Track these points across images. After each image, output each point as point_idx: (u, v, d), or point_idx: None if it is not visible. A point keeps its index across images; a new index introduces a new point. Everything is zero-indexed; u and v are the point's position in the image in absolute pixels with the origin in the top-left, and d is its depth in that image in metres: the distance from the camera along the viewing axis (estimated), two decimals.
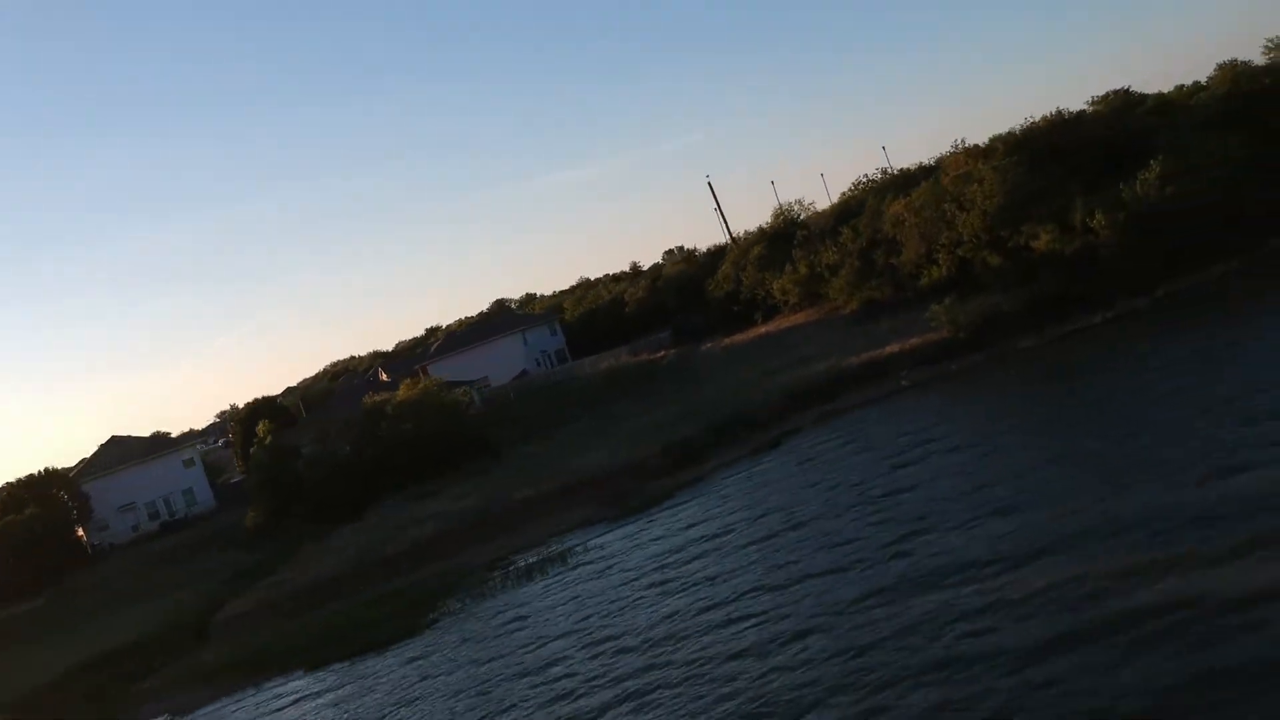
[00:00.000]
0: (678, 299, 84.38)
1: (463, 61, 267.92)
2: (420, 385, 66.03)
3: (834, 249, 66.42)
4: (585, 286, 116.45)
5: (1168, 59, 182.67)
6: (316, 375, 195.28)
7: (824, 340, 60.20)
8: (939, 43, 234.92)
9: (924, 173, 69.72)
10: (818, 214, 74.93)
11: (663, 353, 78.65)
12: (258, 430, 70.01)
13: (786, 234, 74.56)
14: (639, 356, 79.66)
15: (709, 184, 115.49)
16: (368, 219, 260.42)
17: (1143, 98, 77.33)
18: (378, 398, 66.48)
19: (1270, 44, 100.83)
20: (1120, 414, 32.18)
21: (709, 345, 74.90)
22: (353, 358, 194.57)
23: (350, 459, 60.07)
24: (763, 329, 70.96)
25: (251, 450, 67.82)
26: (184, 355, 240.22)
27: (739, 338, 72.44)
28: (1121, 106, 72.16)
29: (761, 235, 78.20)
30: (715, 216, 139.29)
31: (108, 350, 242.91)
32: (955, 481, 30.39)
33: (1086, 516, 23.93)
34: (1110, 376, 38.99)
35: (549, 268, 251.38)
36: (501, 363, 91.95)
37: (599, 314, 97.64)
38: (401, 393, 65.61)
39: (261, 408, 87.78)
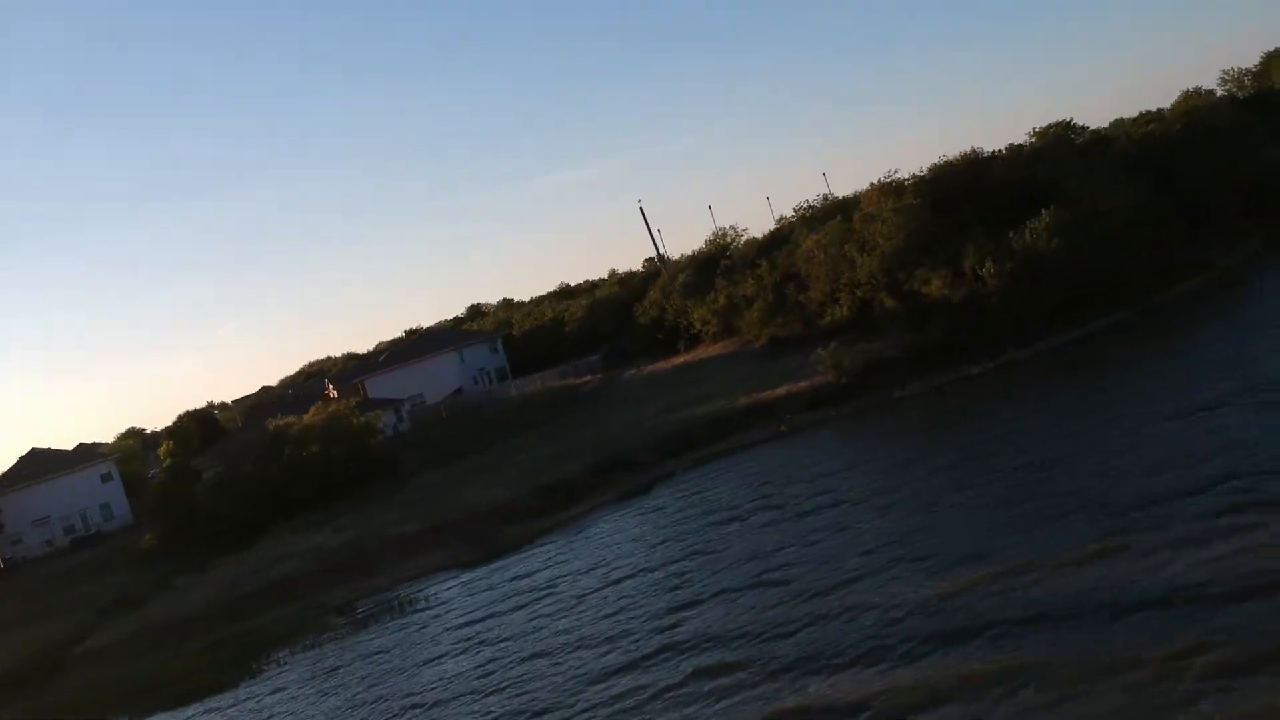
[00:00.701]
0: (612, 322, 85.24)
1: (463, 59, 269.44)
2: (330, 408, 66.91)
3: (751, 281, 67.25)
4: (535, 302, 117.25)
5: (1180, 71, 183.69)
6: (294, 375, 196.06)
7: (729, 376, 61.12)
8: (946, 50, 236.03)
9: (855, 205, 70.63)
10: (750, 241, 75.77)
11: (589, 378, 79.64)
12: (169, 447, 70.84)
13: (715, 261, 75.41)
14: (566, 381, 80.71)
15: (640, 208, 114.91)
16: (366, 215, 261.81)
17: (1083, 129, 78.39)
18: (288, 419, 67.43)
19: (1226, 75, 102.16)
20: (967, 473, 32.87)
21: (632, 372, 75.81)
22: (328, 358, 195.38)
23: (249, 483, 60.97)
24: (681, 359, 71.89)
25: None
26: (181, 347, 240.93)
27: (661, 365, 73.36)
28: (1054, 142, 73.24)
29: (691, 261, 79.12)
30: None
31: (104, 340, 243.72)
32: (761, 542, 31.39)
33: (824, 602, 24.85)
34: (970, 430, 39.81)
35: (548, 268, 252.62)
36: (437, 380, 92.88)
37: (542, 332, 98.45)
38: (311, 415, 66.61)
39: (188, 421, 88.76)
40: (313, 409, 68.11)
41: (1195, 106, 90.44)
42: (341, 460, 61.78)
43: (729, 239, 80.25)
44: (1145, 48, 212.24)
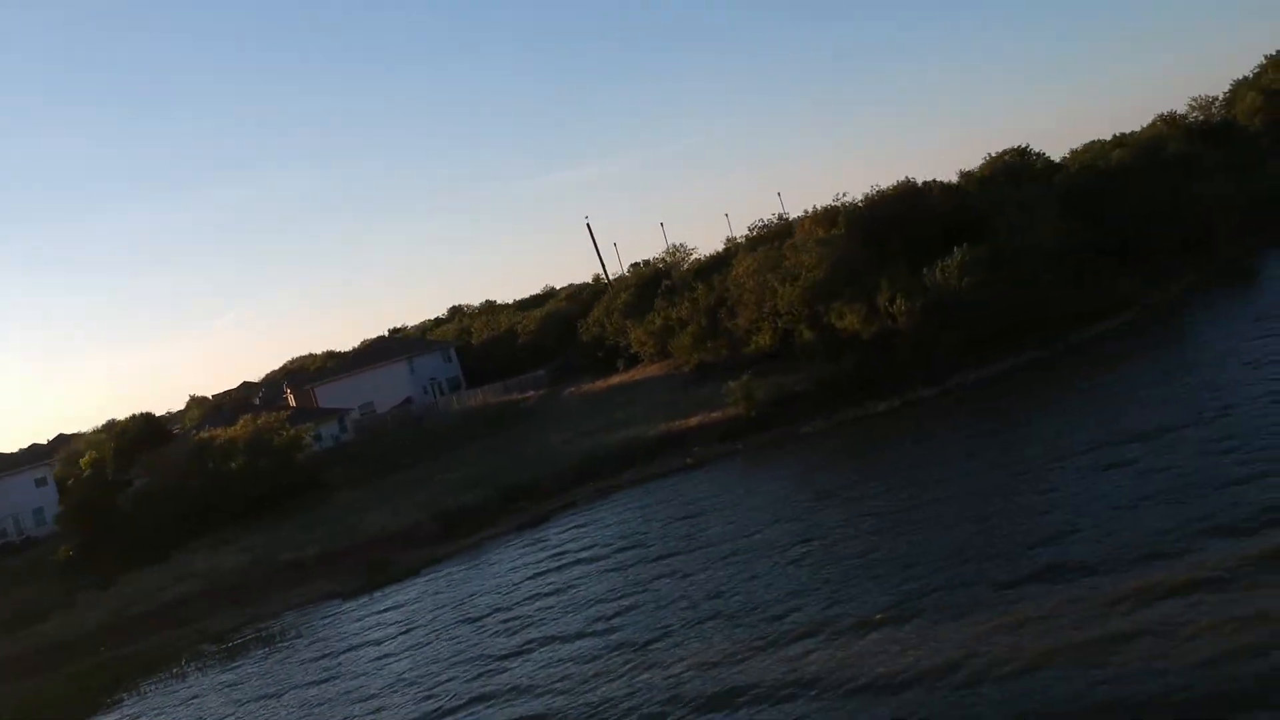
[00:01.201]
0: (560, 337, 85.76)
1: (463, 57, 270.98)
2: (258, 421, 67.43)
3: (687, 304, 67.71)
4: (492, 310, 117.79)
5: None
6: (276, 370, 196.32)
7: (655, 401, 61.63)
8: (957, 60, 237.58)
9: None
10: (691, 263, 76.27)
11: (531, 394, 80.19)
12: (88, 457, 71.24)
13: (657, 281, 75.91)
14: (509, 396, 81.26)
15: (587, 225, 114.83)
16: (366, 210, 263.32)
17: (1038, 156, 78.85)
18: (216, 432, 67.98)
19: (1194, 103, 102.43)
20: (825, 520, 33.38)
21: (571, 390, 76.36)
22: (309, 355, 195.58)
23: (171, 496, 61.52)
24: (618, 379, 72.43)
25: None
26: (179, 336, 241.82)
27: (599, 385, 73.89)
28: (1003, 170, 73.74)
29: (636, 279, 79.64)
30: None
31: (102, 328, 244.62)
32: (610, 586, 31.99)
33: (632, 657, 25.41)
34: (851, 472, 40.29)
35: (548, 267, 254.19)
36: (387, 389, 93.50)
37: (499, 343, 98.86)
38: (239, 428, 67.13)
39: (135, 427, 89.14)
40: (241, 421, 68.59)
41: (1140, 139, 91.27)
42: (266, 475, 62.30)
43: (677, 258, 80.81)
44: (1142, 67, 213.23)
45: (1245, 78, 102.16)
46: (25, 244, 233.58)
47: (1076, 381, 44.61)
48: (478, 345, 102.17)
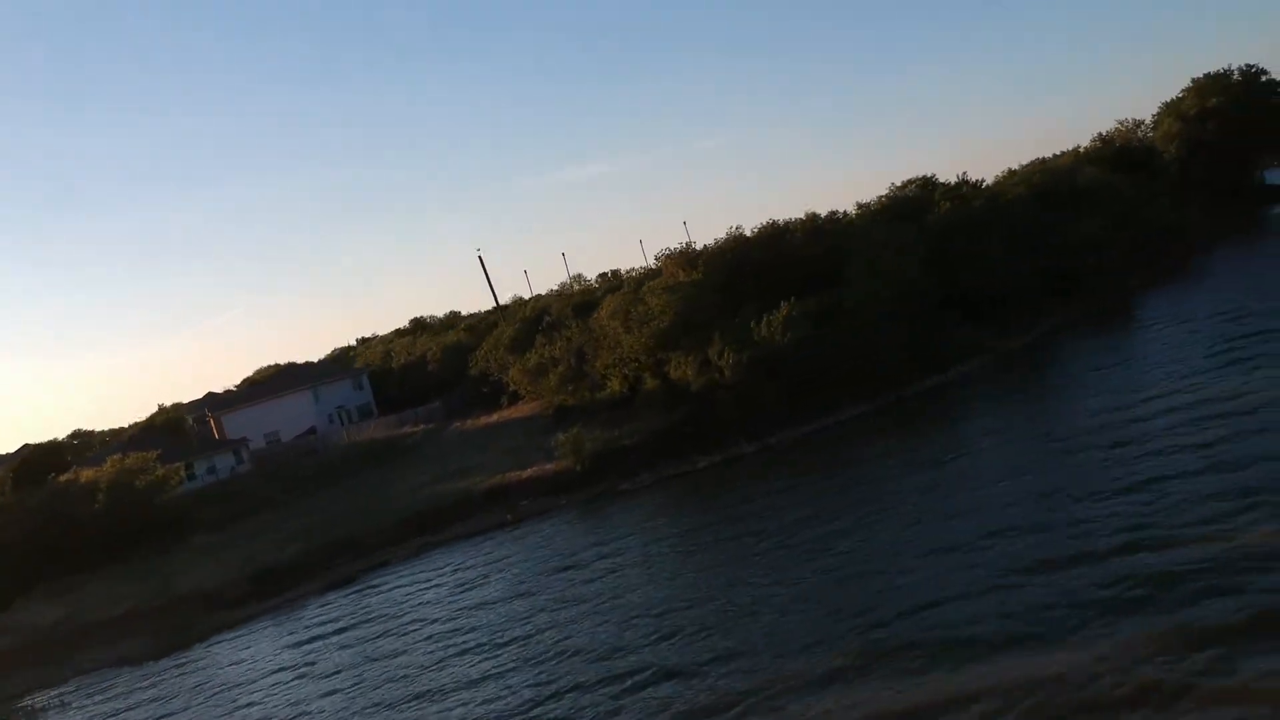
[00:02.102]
0: (457, 369, 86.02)
1: (464, 55, 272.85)
2: (125, 461, 67.72)
3: (560, 342, 67.87)
4: (421, 328, 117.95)
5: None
6: (244, 380, 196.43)
7: (509, 446, 61.89)
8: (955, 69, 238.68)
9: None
10: (566, 298, 76.44)
11: (419, 428, 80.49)
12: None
13: (541, 317, 76.14)
14: (399, 429, 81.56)
15: (479, 257, 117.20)
16: (366, 210, 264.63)
17: (938, 188, 78.86)
18: (82, 473, 68.35)
19: (1120, 127, 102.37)
20: (590, 598, 33.54)
21: (457, 425, 76.66)
22: (273, 365, 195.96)
23: (21, 538, 61.85)
24: (496, 417, 72.63)
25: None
26: (177, 334, 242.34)
27: (481, 422, 74.12)
28: (896, 205, 73.81)
29: (521, 313, 79.94)
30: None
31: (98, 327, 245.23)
32: (354, 671, 32.36)
33: None
34: (650, 536, 40.44)
35: (548, 267, 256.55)
36: (291, 419, 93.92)
37: (413, 369, 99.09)
38: (108, 468, 67.46)
39: (36, 456, 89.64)
40: (109, 460, 68.93)
41: (1056, 166, 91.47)
42: (122, 519, 62.60)
43: (566, 292, 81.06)
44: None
45: (1173, 99, 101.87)
46: (24, 242, 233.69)
47: (899, 437, 44.74)
48: (398, 370, 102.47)
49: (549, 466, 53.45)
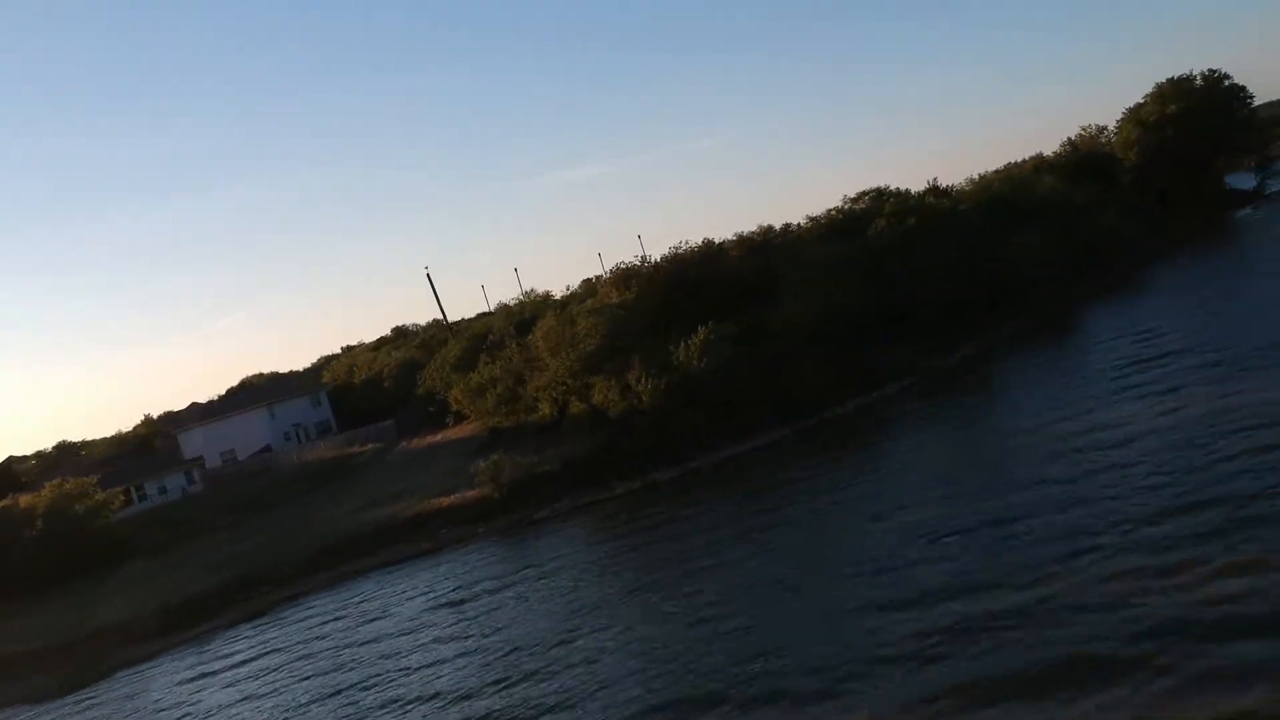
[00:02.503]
0: (409, 385, 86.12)
1: (463, 54, 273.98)
2: (64, 485, 67.90)
3: (500, 362, 67.87)
4: (398, 339, 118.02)
5: None
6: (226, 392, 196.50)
7: (441, 469, 61.95)
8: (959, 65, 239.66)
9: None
10: (509, 315, 76.50)
11: (368, 447, 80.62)
12: None
13: (487, 334, 76.16)
14: (349, 448, 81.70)
15: (427, 275, 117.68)
16: (365, 211, 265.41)
17: (892, 196, 78.63)
18: (21, 498, 68.55)
19: (1083, 133, 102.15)
20: (469, 637, 33.63)
21: (405, 444, 76.82)
22: (258, 374, 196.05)
23: None
24: (439, 437, 72.71)
25: None
26: (178, 337, 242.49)
27: (427, 440, 74.21)
28: (845, 219, 73.82)
29: (470, 330, 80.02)
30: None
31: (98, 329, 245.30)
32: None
33: None
34: (554, 568, 40.34)
35: (547, 268, 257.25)
36: (248, 437, 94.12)
37: (371, 385, 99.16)
38: (46, 493, 67.67)
39: None
40: (47, 485, 69.15)
41: (1011, 175, 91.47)
42: (56, 546, 62.74)
43: (525, 304, 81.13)
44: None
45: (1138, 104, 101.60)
46: (22, 247, 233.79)
47: (789, 471, 44.69)
48: (360, 385, 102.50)
49: (471, 493, 53.50)
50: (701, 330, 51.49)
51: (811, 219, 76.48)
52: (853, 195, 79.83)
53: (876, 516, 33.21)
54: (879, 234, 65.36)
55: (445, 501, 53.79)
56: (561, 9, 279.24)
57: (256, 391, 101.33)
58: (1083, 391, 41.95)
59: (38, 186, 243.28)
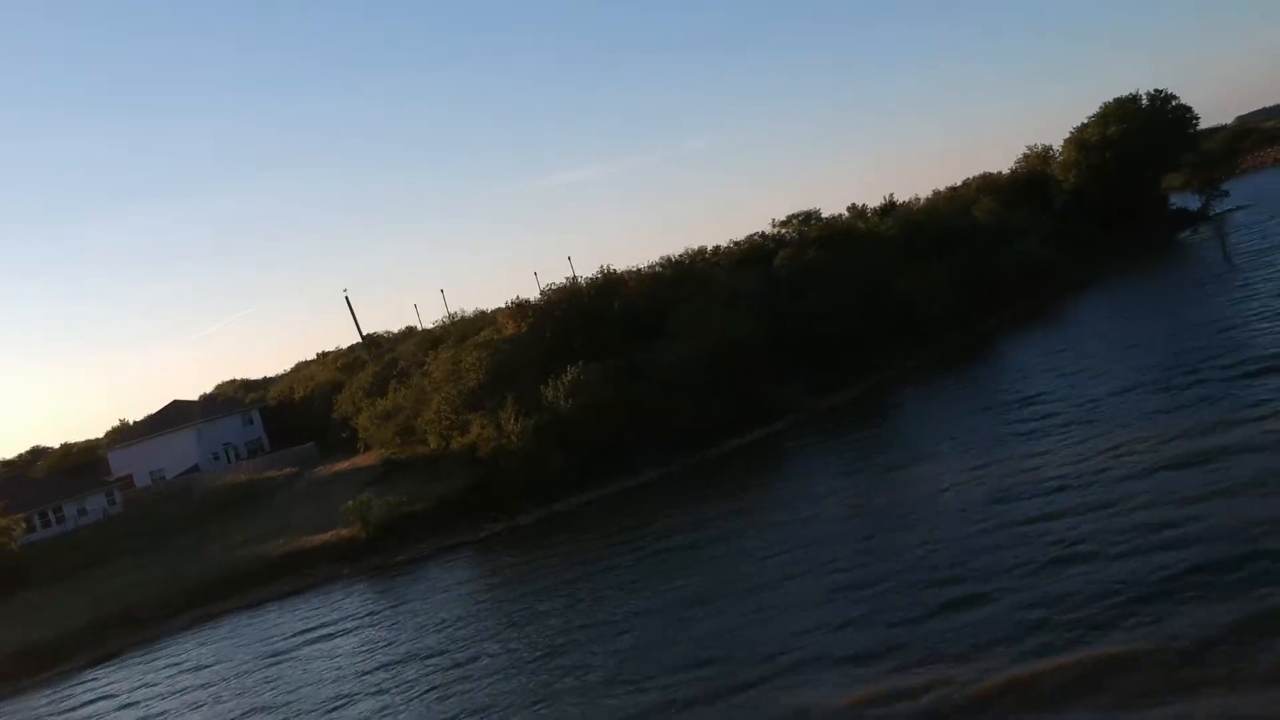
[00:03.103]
0: (328, 409, 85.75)
1: (464, 55, 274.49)
2: None
3: (403, 389, 67.57)
4: (324, 361, 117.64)
5: None
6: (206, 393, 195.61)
7: (339, 500, 61.42)
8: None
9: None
10: (421, 341, 76.16)
11: (286, 471, 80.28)
12: None
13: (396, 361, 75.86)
14: (267, 472, 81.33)
15: (346, 298, 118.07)
16: (364, 213, 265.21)
17: (820, 221, 78.27)
18: None
19: (1028, 153, 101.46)
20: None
21: (318, 470, 76.45)
22: (233, 381, 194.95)
23: None
24: (346, 464, 72.33)
25: None
26: (178, 338, 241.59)
27: (336, 468, 73.82)
28: (748, 248, 73.62)
29: (381, 357, 79.64)
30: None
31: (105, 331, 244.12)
32: None
33: None
34: (394, 616, 40.18)
35: (538, 272, 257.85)
36: (176, 456, 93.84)
37: (305, 404, 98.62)
38: None
39: None
40: None
41: (948, 198, 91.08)
42: None
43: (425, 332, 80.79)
44: None
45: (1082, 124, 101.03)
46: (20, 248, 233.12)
47: (648, 516, 44.39)
48: (298, 403, 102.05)
49: (345, 532, 53.25)
50: (570, 370, 51.18)
51: (733, 243, 76.49)
52: (782, 218, 79.68)
53: (706, 571, 32.84)
54: (784, 264, 65.14)
55: (319, 540, 53.53)
56: (534, 12, 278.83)
57: (185, 409, 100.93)
58: (932, 445, 41.57)
59: (43, 189, 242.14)
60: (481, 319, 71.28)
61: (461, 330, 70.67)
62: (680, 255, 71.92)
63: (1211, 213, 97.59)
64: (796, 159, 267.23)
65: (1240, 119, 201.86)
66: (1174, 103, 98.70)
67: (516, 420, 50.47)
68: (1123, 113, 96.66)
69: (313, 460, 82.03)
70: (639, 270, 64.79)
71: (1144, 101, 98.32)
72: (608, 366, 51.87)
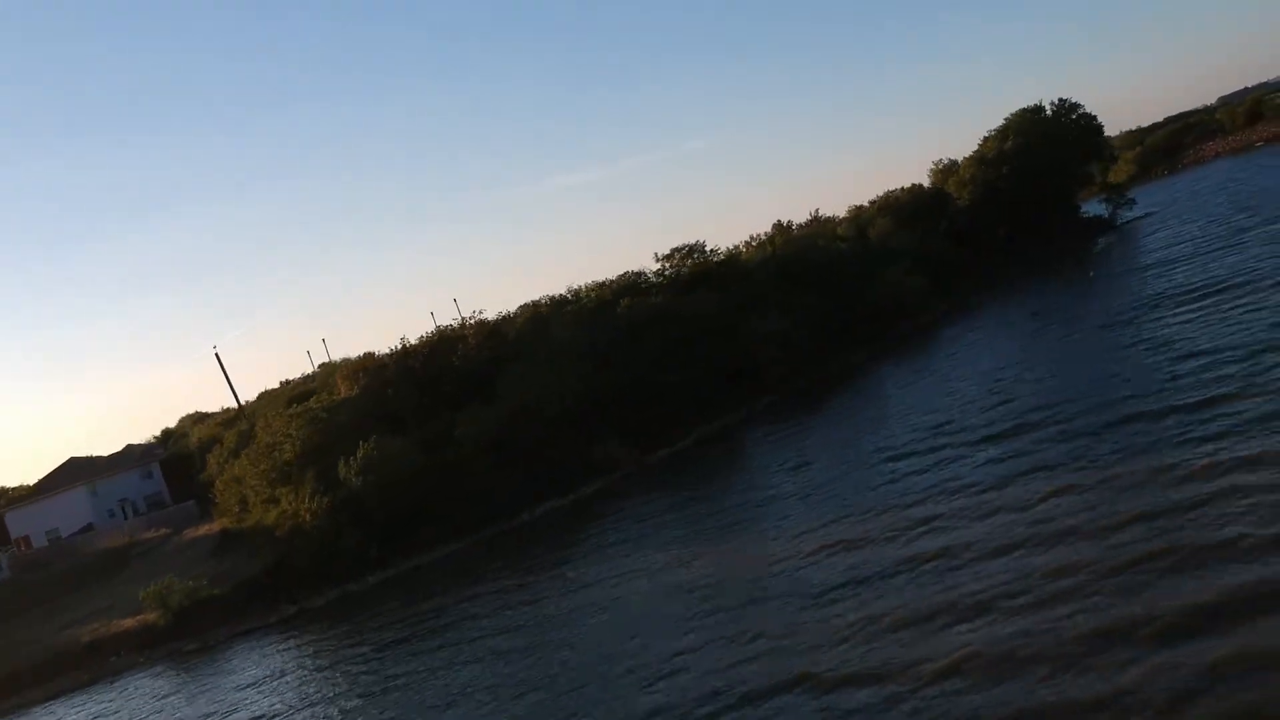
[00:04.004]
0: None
1: (464, 60, 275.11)
2: None
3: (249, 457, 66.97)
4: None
5: None
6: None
7: (174, 571, 61.05)
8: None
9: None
10: (274, 397, 75.66)
11: (159, 532, 79.92)
12: None
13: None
14: (142, 534, 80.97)
15: (216, 355, 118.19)
16: (363, 220, 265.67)
17: (710, 256, 77.43)
18: None
19: (934, 168, 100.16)
20: None
21: (186, 533, 76.01)
22: (196, 413, 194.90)
23: None
24: (203, 530, 71.85)
25: None
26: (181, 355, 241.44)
27: (194, 533, 73.27)
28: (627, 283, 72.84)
29: (250, 414, 79.11)
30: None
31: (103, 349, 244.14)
32: None
33: None
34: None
35: (544, 273, 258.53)
36: (70, 515, 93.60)
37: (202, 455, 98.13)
38: None
39: None
40: None
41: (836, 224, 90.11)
42: None
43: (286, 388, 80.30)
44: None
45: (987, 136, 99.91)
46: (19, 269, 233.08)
47: (440, 596, 43.40)
48: (198, 455, 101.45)
49: (151, 615, 52.81)
50: (364, 445, 50.66)
51: (605, 282, 75.50)
52: (665, 252, 78.62)
53: (475, 659, 32.08)
54: (625, 310, 64.51)
55: (126, 624, 53.12)
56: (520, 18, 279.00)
57: (82, 466, 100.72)
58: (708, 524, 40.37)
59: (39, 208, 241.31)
60: (333, 371, 70.64)
61: (321, 385, 70.24)
62: (543, 300, 71.86)
63: (1118, 222, 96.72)
64: (796, 159, 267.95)
65: (1222, 99, 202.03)
66: (1079, 111, 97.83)
67: (313, 498, 49.97)
68: (1023, 125, 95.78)
69: (191, 520, 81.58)
70: (484, 321, 64.31)
71: (1047, 111, 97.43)
72: (410, 439, 51.34)
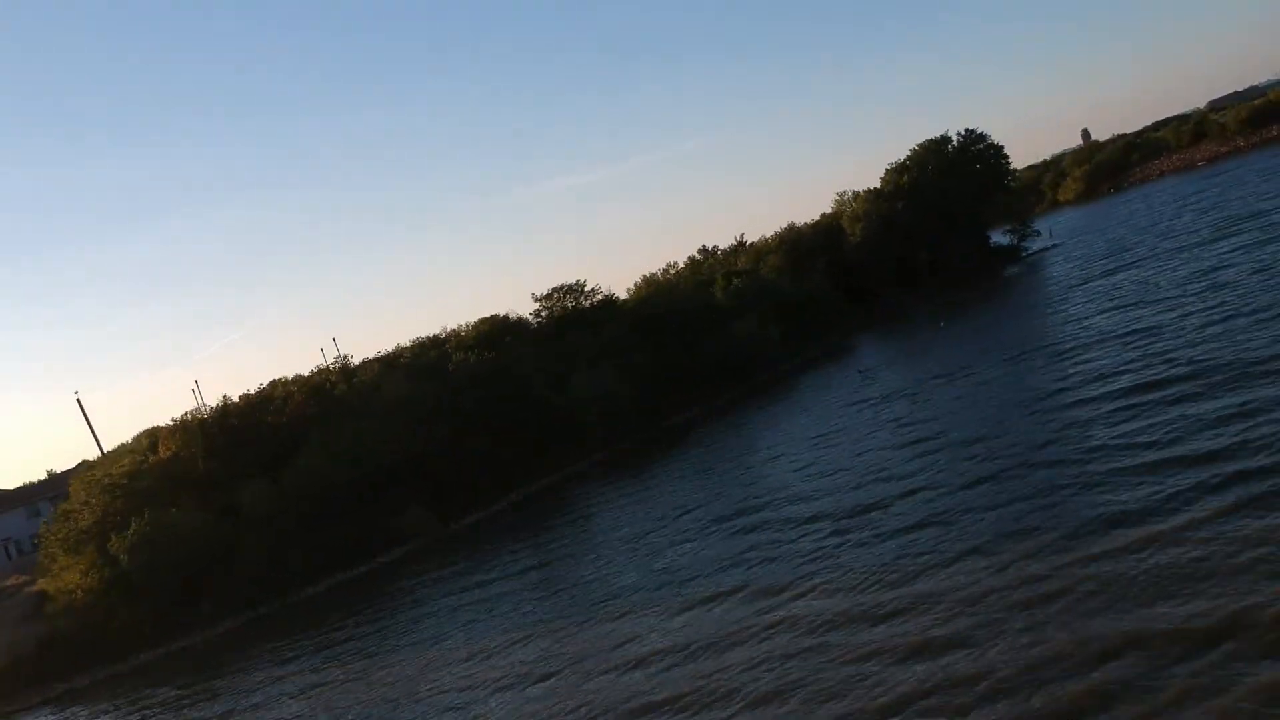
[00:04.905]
0: None
1: (465, 61, 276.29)
2: None
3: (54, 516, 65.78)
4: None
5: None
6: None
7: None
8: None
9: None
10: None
11: (21, 580, 79.70)
12: None
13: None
14: (11, 578, 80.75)
15: (78, 401, 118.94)
16: (362, 225, 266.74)
17: (588, 295, 76.83)
18: None
19: (838, 199, 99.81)
20: None
21: (34, 587, 75.81)
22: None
23: None
24: (40, 584, 71.59)
25: None
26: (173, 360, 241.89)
27: (35, 588, 72.90)
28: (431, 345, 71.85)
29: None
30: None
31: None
32: None
33: None
34: None
35: (542, 276, 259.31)
36: None
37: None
38: None
39: None
40: None
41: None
42: None
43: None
44: None
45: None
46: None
47: (202, 678, 42.82)
48: None
49: None
50: (135, 523, 50.37)
51: (469, 326, 74.40)
52: (544, 292, 77.91)
53: None
54: (456, 365, 63.98)
55: None
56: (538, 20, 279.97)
57: None
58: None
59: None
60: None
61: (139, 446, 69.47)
62: (394, 351, 71.42)
63: (1024, 253, 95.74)
64: (796, 159, 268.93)
65: (1211, 103, 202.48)
66: (985, 142, 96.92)
67: (88, 573, 49.76)
68: (924, 157, 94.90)
69: None
70: (303, 379, 63.92)
71: (954, 142, 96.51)
72: (213, 507, 51.11)
